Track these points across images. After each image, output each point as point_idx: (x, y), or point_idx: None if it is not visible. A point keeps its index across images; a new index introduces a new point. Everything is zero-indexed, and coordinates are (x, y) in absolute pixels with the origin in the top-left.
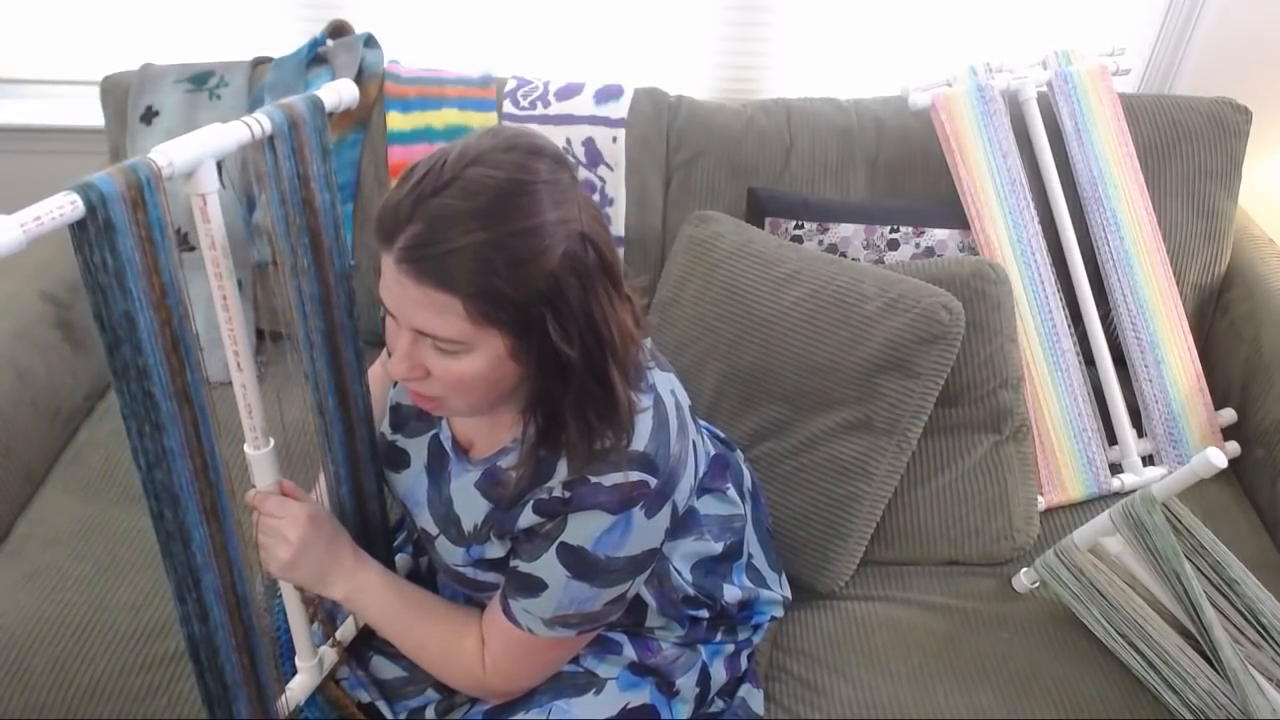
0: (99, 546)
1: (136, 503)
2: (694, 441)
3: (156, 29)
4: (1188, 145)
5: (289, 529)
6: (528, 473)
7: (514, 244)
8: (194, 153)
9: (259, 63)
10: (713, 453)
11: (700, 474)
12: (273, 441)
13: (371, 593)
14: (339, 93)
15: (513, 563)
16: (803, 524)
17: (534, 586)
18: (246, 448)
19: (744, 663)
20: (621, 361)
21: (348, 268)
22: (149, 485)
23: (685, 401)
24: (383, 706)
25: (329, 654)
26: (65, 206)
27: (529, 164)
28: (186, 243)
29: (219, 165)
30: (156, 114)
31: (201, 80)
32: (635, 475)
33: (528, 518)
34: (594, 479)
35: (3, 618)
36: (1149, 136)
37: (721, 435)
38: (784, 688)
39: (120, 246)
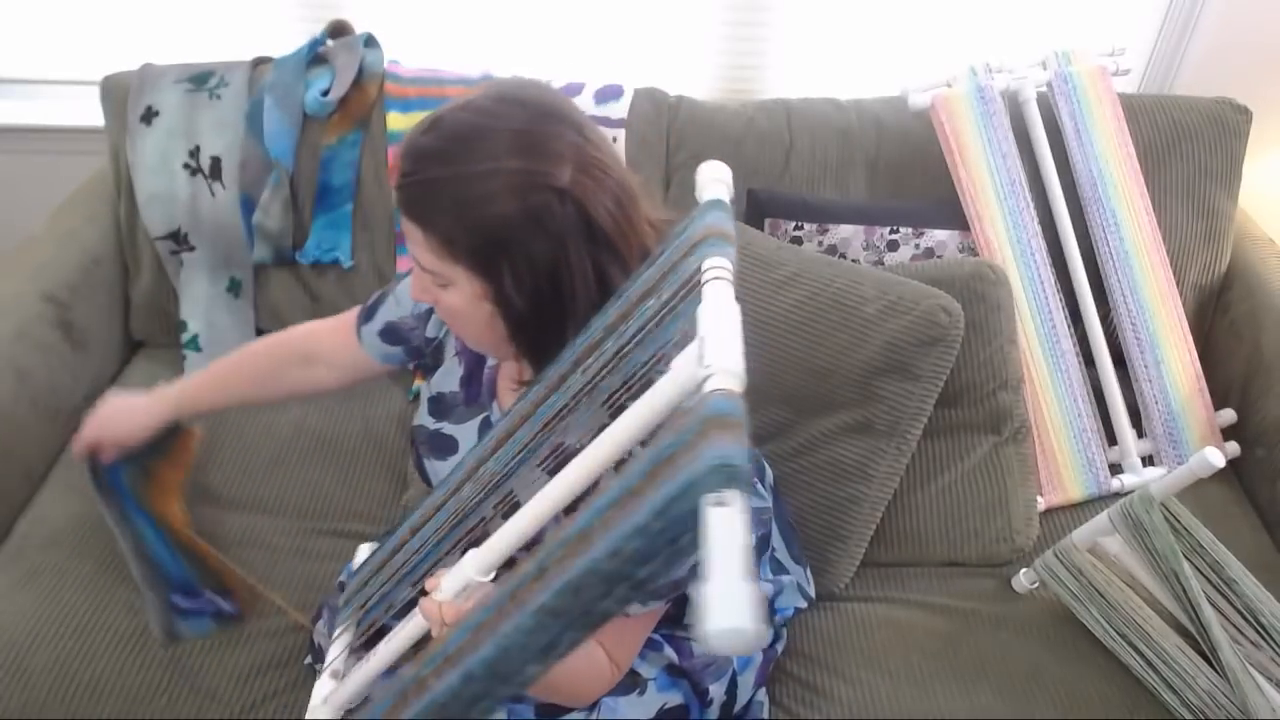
0: (99, 546)
1: None
2: None
3: (156, 29)
4: (1188, 145)
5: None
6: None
7: (457, 186)
8: (740, 347)
9: (259, 62)
10: None
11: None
12: None
13: None
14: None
15: None
16: (803, 526)
17: None
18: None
19: (766, 671)
20: (578, 321)
21: None
22: None
23: None
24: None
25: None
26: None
27: (503, 111)
28: (187, 243)
29: (219, 160)
30: (156, 114)
31: (201, 80)
32: None
33: None
34: None
35: (2, 617)
36: (1149, 137)
37: None
38: (784, 689)
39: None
